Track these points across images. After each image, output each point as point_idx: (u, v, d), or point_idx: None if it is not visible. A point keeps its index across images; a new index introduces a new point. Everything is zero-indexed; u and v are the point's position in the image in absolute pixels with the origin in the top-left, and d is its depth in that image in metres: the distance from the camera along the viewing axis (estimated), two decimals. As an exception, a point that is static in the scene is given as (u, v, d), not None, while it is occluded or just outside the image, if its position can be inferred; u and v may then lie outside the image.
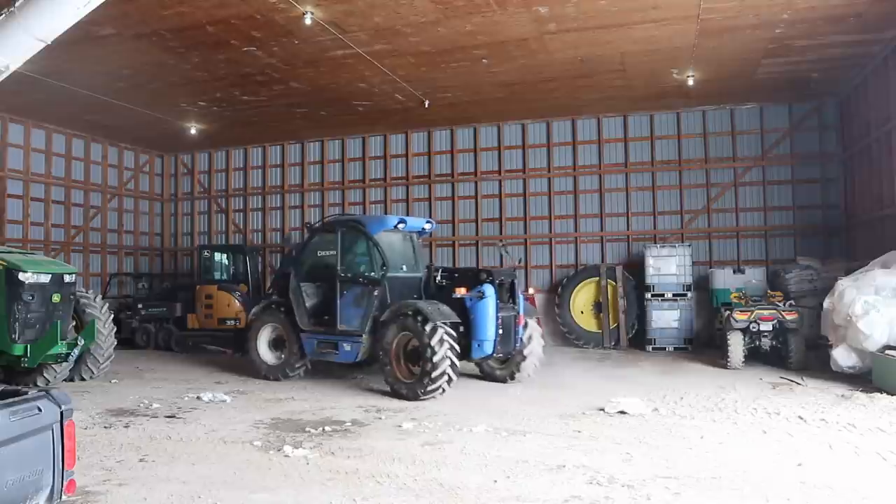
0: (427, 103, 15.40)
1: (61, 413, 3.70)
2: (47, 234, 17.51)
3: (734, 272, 15.10)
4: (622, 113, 16.99)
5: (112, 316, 11.76)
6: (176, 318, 16.48)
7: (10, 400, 3.51)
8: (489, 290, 9.88)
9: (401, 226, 10.98)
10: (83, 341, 10.29)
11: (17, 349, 9.75)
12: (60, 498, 3.70)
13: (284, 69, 13.31)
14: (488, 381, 11.04)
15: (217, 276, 17.10)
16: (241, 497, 5.34)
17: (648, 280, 15.39)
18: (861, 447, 6.51)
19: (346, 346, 10.51)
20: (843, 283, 10.85)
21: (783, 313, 11.85)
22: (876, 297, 10.20)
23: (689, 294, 15.24)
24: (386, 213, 18.76)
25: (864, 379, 10.09)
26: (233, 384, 11.01)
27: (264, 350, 11.62)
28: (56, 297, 10.19)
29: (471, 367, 11.09)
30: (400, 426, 7.75)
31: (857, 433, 7.09)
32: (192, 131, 17.81)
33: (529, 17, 10.93)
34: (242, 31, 11.34)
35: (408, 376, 9.78)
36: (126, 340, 15.53)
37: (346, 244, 11.07)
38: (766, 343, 12.07)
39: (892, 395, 8.83)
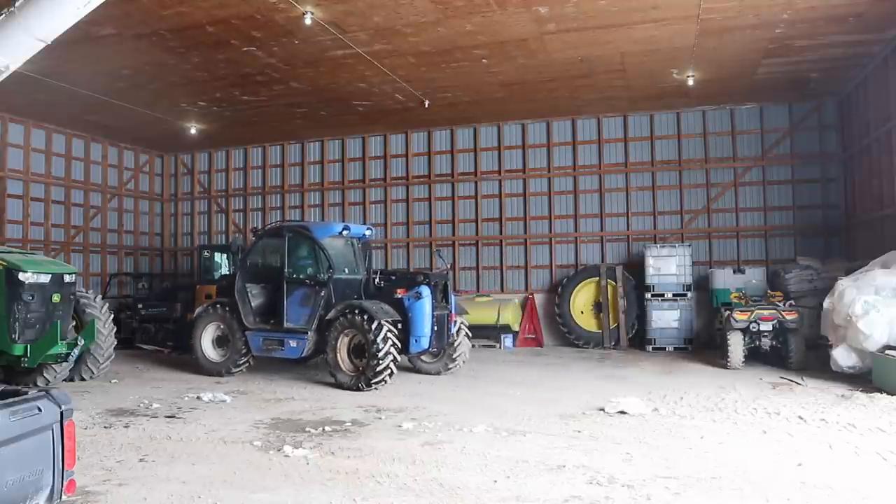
0: (427, 103, 15.40)
1: (61, 413, 3.70)
2: (47, 234, 17.51)
3: (734, 272, 15.10)
4: (622, 113, 16.99)
5: (112, 316, 11.75)
6: (176, 318, 16.47)
7: (10, 400, 3.51)
8: (426, 290, 10.86)
9: (345, 232, 11.83)
10: (83, 341, 10.28)
11: (17, 349, 9.74)
12: (60, 498, 3.70)
13: (284, 69, 13.31)
14: (421, 375, 11.82)
15: (217, 276, 17.08)
16: (241, 497, 5.34)
17: (648, 280, 15.40)
18: (861, 447, 6.50)
19: (293, 343, 11.19)
20: (843, 283, 10.85)
21: (783, 313, 11.84)
22: (876, 297, 10.19)
23: (689, 294, 15.25)
24: (387, 214, 18.90)
25: (864, 379, 10.08)
26: (233, 384, 11.01)
27: (208, 347, 12.08)
28: (56, 297, 10.18)
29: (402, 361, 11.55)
30: (400, 426, 7.75)
31: (857, 433, 7.08)
32: (192, 131, 17.81)
33: (529, 17, 10.93)
34: (242, 31, 11.34)
35: (352, 370, 10.53)
36: (126, 340, 15.52)
37: (293, 248, 11.73)
38: (766, 343, 12.06)
39: (892, 395, 8.83)
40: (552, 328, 16.75)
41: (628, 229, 17.08)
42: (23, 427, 3.43)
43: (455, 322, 11.80)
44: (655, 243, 16.22)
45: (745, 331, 11.93)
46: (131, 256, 20.46)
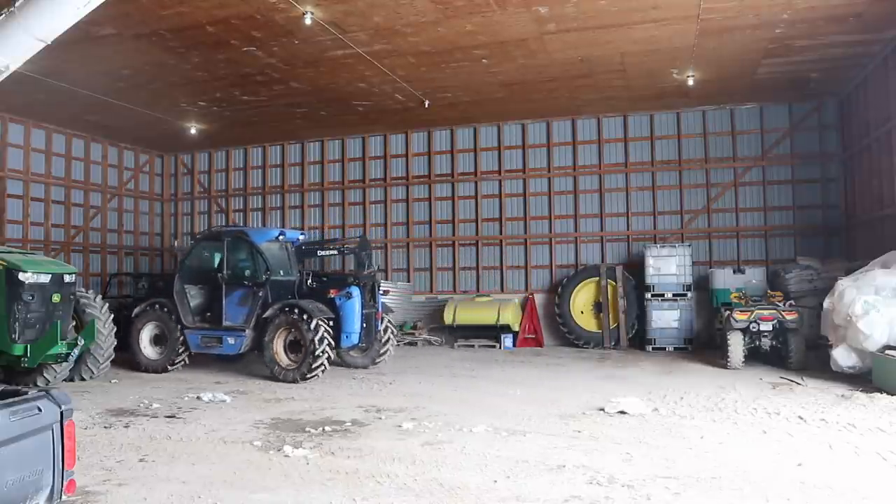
0: (427, 103, 15.40)
1: (61, 413, 3.70)
2: (47, 234, 17.51)
3: (734, 272, 15.10)
4: (622, 113, 16.99)
5: (112, 316, 11.76)
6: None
7: (10, 400, 3.51)
8: (356, 291, 11.70)
9: (281, 237, 12.75)
10: (83, 341, 10.29)
11: (17, 349, 9.75)
12: (60, 498, 3.70)
13: (284, 69, 13.31)
14: (350, 369, 12.56)
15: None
16: (241, 497, 5.34)
17: (648, 280, 15.40)
18: (861, 447, 6.50)
19: (231, 340, 11.90)
20: (843, 283, 10.85)
21: (783, 313, 11.84)
22: (876, 297, 10.19)
23: (689, 294, 15.25)
24: (387, 214, 18.93)
25: (864, 379, 10.08)
26: (233, 384, 11.02)
27: (146, 346, 12.58)
28: (56, 297, 10.19)
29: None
30: (400, 426, 7.75)
31: (857, 433, 7.08)
32: (192, 131, 17.81)
33: (529, 17, 10.94)
34: (242, 31, 11.34)
35: (288, 364, 11.30)
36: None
37: (232, 251, 12.38)
38: (766, 343, 12.06)
39: (892, 395, 8.83)
40: (552, 328, 16.75)
41: (628, 229, 17.08)
42: (23, 427, 3.43)
43: (382, 319, 12.56)
44: (655, 243, 16.22)
45: (745, 331, 11.93)
46: (131, 256, 20.46)
